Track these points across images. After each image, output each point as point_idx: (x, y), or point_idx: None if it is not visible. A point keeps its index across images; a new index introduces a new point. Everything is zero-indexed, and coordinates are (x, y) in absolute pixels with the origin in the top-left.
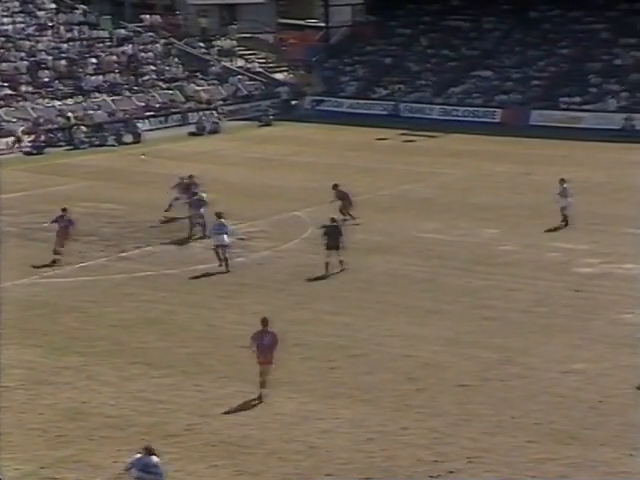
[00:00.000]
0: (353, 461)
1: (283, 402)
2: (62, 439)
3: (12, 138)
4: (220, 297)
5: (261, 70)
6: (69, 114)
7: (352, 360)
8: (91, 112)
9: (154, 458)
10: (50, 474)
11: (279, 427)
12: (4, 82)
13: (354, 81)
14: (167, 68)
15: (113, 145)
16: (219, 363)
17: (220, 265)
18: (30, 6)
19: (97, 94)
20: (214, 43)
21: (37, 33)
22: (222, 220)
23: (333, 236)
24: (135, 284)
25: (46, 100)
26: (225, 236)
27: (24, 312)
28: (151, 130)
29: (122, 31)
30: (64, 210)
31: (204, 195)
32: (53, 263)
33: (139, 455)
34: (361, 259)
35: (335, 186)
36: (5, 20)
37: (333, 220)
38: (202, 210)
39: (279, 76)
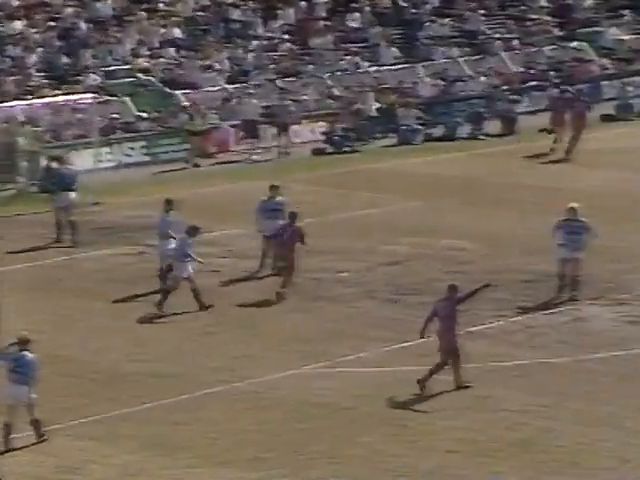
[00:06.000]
0: None
1: None
2: None
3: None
4: None
5: None
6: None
7: None
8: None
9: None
10: None
11: None
12: None
13: None
14: (570, 5)
15: (472, 138)
16: None
17: None
18: None
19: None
20: None
21: None
22: None
23: None
24: (492, 380)
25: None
26: None
27: (302, 423)
28: (536, 112)
29: None
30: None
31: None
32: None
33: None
34: None
35: None
36: None
37: None
38: None
39: None
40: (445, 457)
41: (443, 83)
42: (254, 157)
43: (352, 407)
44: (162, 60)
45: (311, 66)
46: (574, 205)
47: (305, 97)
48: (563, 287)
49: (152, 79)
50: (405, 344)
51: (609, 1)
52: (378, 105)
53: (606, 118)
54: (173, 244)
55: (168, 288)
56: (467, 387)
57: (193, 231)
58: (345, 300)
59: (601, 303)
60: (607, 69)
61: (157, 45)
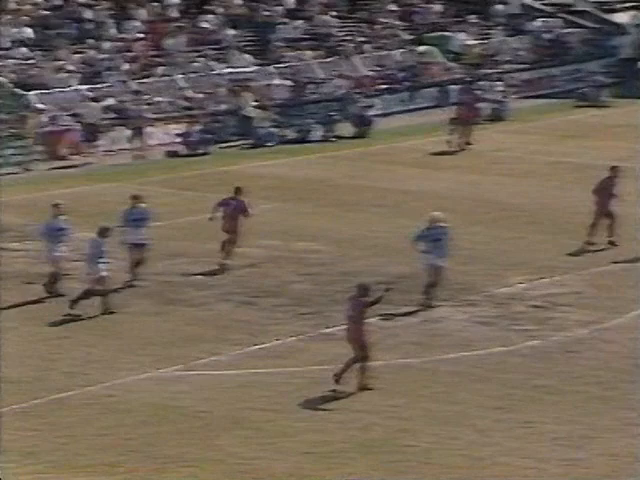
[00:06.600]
0: None
1: None
2: None
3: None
4: (493, 407)
5: (588, 9)
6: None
7: None
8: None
9: None
10: None
11: None
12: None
13: None
14: (418, 10)
15: (324, 140)
16: None
17: None
18: None
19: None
20: None
21: None
22: None
23: None
24: (345, 382)
25: (206, 62)
26: None
27: (157, 427)
28: (387, 114)
29: None
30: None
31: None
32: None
33: None
34: None
35: None
36: None
37: None
38: None
39: (621, 17)
40: (299, 459)
41: (296, 85)
42: (108, 159)
43: (207, 410)
44: (12, 61)
45: (164, 67)
46: (436, 213)
47: (159, 99)
48: (432, 290)
49: (3, 80)
50: (260, 346)
51: (456, 6)
52: (256, 104)
53: (454, 121)
54: (63, 248)
55: (97, 292)
56: (370, 389)
57: (105, 231)
58: (200, 303)
59: (452, 304)
60: (455, 73)
61: (7, 45)
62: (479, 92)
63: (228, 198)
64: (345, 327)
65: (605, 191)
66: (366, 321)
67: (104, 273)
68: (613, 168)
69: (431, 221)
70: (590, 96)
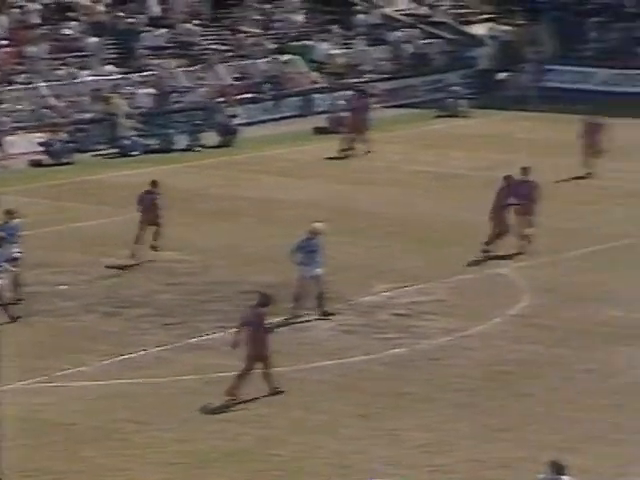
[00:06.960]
0: None
1: None
2: None
3: None
4: (359, 416)
5: (446, 20)
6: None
7: None
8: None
9: None
10: None
11: None
12: None
13: (612, 39)
14: (281, 19)
15: (189, 149)
16: None
17: None
18: None
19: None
20: None
21: None
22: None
23: None
24: (212, 392)
25: (69, 70)
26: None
27: (21, 440)
28: (251, 123)
29: None
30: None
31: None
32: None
33: None
34: None
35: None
36: None
37: None
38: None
39: (477, 29)
40: (166, 470)
41: (160, 94)
42: None
43: (72, 422)
44: None
45: (26, 75)
46: (317, 224)
47: (20, 107)
48: (301, 304)
49: None
50: (125, 357)
51: (319, 16)
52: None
53: (318, 130)
54: None
55: None
56: (280, 392)
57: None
58: (64, 314)
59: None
60: (318, 82)
61: None
62: (368, 98)
63: (146, 192)
64: (244, 335)
65: (497, 202)
66: (266, 330)
67: (2, 281)
68: (506, 177)
69: (311, 232)
70: (450, 106)
